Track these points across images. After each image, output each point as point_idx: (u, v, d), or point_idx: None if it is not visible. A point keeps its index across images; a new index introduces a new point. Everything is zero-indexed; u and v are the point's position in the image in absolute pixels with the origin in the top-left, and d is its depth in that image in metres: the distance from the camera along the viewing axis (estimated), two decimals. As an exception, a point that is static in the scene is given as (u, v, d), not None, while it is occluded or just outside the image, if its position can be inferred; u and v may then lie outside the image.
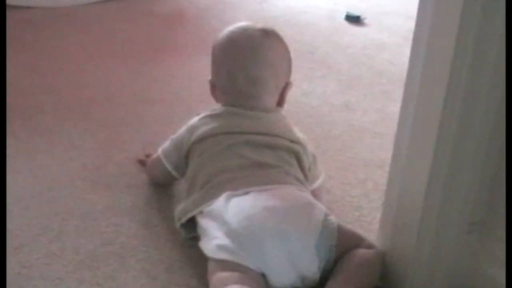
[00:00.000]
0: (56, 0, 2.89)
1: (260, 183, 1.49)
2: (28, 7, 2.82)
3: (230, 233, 1.39)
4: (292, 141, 1.60)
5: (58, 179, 1.76)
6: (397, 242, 1.41)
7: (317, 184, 1.67)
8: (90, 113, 2.08)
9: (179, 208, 1.56)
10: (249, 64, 1.60)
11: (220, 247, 1.39)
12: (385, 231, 1.45)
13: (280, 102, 1.67)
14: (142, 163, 1.82)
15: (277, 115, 1.66)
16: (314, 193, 1.59)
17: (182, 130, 1.66)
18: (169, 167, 1.67)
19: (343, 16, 2.95)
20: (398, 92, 1.47)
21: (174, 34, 2.70)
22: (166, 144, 1.69)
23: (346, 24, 2.90)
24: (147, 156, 1.81)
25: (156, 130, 1.99)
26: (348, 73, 2.41)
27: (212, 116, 1.63)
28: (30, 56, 2.42)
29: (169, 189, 1.74)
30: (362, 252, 1.43)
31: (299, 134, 1.64)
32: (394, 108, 1.46)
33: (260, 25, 1.65)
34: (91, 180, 1.76)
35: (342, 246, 1.42)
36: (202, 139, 1.60)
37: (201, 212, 1.49)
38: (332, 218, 1.44)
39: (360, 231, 1.60)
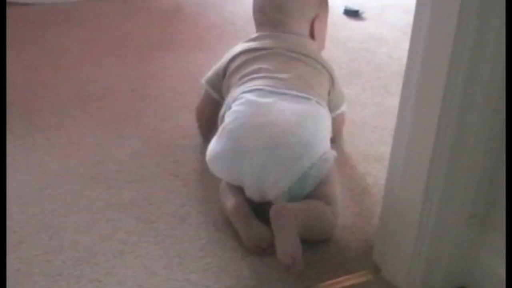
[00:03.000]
0: (54, -3, 2.89)
1: (277, 86, 1.66)
2: (26, 4, 2.82)
3: (218, 145, 1.60)
4: (316, 61, 1.76)
5: (56, 176, 1.76)
6: (397, 235, 1.41)
7: (337, 112, 1.82)
8: (88, 109, 2.07)
9: None
10: None
11: (209, 156, 1.62)
12: (385, 225, 1.45)
13: (312, 34, 1.85)
14: None
15: (307, 40, 1.83)
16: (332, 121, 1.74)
17: (222, 59, 1.84)
18: (211, 91, 1.85)
19: (342, 10, 2.94)
20: (397, 86, 1.47)
21: (173, 29, 2.69)
22: (208, 73, 1.87)
23: (344, 18, 2.89)
24: None
25: (154, 126, 1.99)
26: (347, 67, 2.40)
27: (248, 40, 1.84)
28: (28, 53, 2.42)
29: (168, 184, 1.73)
30: (322, 205, 1.55)
31: (326, 60, 1.81)
32: (393, 102, 1.46)
33: None
34: (89, 177, 1.76)
35: (313, 195, 1.55)
36: (236, 55, 1.79)
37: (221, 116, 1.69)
38: (320, 168, 1.55)
39: (360, 225, 1.61)
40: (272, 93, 1.64)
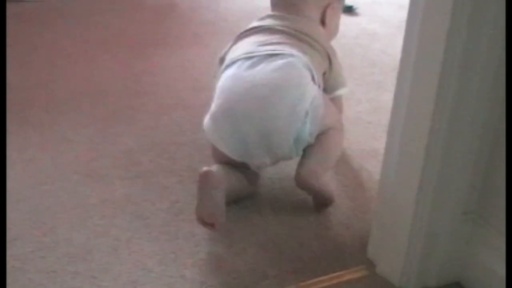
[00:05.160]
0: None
1: (268, 48, 1.69)
2: (19, 1, 2.81)
3: (215, 113, 1.63)
4: (318, 43, 1.77)
5: (50, 173, 1.75)
6: (391, 231, 1.41)
7: (333, 95, 1.83)
8: (82, 106, 2.07)
9: None
10: None
11: (207, 124, 1.65)
12: (379, 221, 1.45)
13: (323, 21, 1.87)
14: None
15: (315, 25, 1.84)
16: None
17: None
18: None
19: (336, 6, 2.94)
20: (391, 82, 1.47)
21: (166, 26, 2.70)
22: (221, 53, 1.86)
23: (338, 14, 2.89)
24: None
25: (148, 122, 1.99)
26: (341, 63, 2.40)
27: (256, 20, 1.85)
28: (21, 50, 2.42)
29: (162, 181, 1.73)
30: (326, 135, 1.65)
31: (330, 45, 1.84)
32: (387, 97, 1.46)
33: None
34: (83, 173, 1.76)
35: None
36: (241, 34, 1.81)
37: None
38: (314, 111, 1.62)
39: (354, 220, 1.61)
40: (254, 56, 1.68)
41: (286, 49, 1.69)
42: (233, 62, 1.69)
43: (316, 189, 1.62)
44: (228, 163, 1.62)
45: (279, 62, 1.65)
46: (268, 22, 1.81)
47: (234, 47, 1.78)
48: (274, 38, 1.74)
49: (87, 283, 1.41)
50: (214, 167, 1.57)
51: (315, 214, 1.63)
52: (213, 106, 1.64)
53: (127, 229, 1.57)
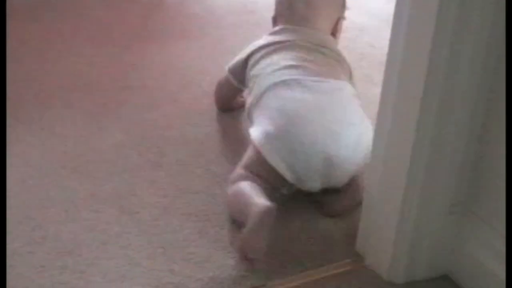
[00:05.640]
0: (35, -13, 2.87)
1: (313, 73, 1.71)
2: (6, -5, 2.80)
3: (277, 133, 1.60)
4: (339, 55, 1.84)
5: (39, 167, 1.75)
6: (379, 224, 1.41)
7: None
8: (70, 100, 2.07)
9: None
10: None
11: (266, 135, 1.60)
12: (367, 214, 1.46)
13: (334, 33, 1.92)
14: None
15: (330, 37, 1.90)
16: None
17: (245, 49, 1.89)
18: (232, 78, 1.91)
19: (324, -1, 2.94)
20: (379, 76, 1.47)
21: (154, 20, 2.68)
22: (232, 61, 1.92)
23: (326, 8, 2.89)
24: None
25: (136, 117, 1.98)
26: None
27: (272, 33, 1.89)
28: (9, 45, 2.40)
29: (151, 175, 1.73)
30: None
31: (344, 56, 1.87)
32: (376, 91, 1.46)
33: None
34: (72, 168, 1.75)
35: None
36: (260, 48, 1.84)
37: (253, 104, 1.72)
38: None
39: (343, 214, 1.61)
40: (304, 80, 1.69)
41: (332, 72, 1.74)
42: (282, 82, 1.69)
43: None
44: (260, 176, 1.59)
45: (338, 91, 1.69)
46: (290, 36, 1.83)
47: (264, 62, 1.79)
48: (308, 56, 1.76)
49: (75, 278, 1.42)
50: (254, 192, 1.53)
51: (303, 208, 1.64)
52: (270, 125, 1.62)
53: (115, 223, 1.57)
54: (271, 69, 1.74)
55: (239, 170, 1.61)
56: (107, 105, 2.05)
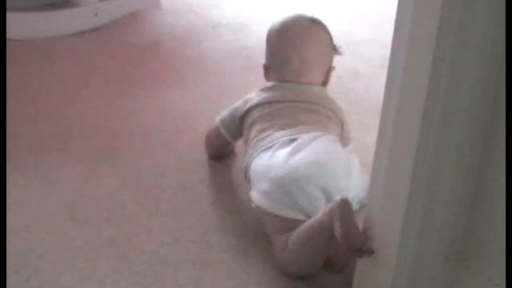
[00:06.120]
0: (30, 32, 2.88)
1: (305, 130, 1.74)
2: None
3: (276, 180, 1.61)
4: (333, 111, 1.87)
5: (34, 215, 1.75)
6: (375, 273, 1.41)
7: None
8: (66, 146, 2.07)
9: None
10: (301, 47, 1.88)
11: (263, 194, 1.63)
12: (363, 262, 1.45)
13: (324, 82, 1.95)
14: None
15: (322, 89, 1.93)
16: None
17: (238, 102, 1.93)
18: (224, 132, 1.94)
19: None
20: (373, 121, 1.48)
21: (149, 65, 2.70)
22: (224, 114, 1.95)
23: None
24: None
25: (132, 163, 1.99)
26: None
27: (265, 89, 1.91)
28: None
29: (147, 223, 1.73)
30: None
31: (338, 107, 1.91)
32: (370, 137, 1.46)
33: (308, 15, 1.93)
34: (67, 215, 1.75)
35: None
36: (254, 107, 1.87)
37: (249, 165, 1.75)
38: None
39: (340, 259, 1.61)
40: (295, 139, 1.72)
41: (321, 129, 1.77)
42: (273, 145, 1.72)
43: None
44: (288, 231, 1.59)
45: (318, 137, 1.71)
46: (284, 95, 1.86)
47: (259, 126, 1.81)
48: (300, 116, 1.80)
49: (71, 328, 1.41)
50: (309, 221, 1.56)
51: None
52: (263, 183, 1.65)
53: (111, 272, 1.56)
54: (266, 134, 1.77)
55: (278, 243, 1.61)
56: (102, 151, 2.05)
